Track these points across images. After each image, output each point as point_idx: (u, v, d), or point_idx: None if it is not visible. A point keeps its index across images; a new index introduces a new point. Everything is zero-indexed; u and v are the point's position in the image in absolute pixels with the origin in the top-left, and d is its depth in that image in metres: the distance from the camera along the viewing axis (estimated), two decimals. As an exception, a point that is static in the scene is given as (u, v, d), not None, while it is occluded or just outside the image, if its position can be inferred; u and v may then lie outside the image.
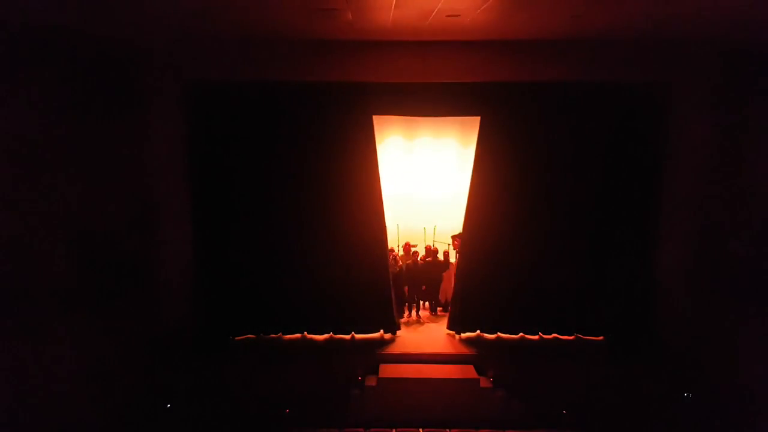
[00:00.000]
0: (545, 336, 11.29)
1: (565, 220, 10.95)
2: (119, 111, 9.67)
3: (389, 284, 11.27)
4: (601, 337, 11.22)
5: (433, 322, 12.21)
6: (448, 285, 12.57)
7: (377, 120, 14.49)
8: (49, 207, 7.83)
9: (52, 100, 7.85)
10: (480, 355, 10.58)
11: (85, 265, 8.58)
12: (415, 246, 12.95)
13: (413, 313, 12.47)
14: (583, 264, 11.03)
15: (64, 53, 8.11)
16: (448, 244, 14.12)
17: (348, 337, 11.20)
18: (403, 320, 12.22)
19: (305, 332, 11.18)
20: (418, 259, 12.53)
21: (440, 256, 12.49)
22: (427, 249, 12.91)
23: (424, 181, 15.10)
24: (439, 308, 12.57)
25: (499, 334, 11.25)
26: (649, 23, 8.14)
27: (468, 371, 10.23)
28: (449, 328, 11.47)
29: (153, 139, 10.51)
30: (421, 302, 12.67)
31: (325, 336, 11.21)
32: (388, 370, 10.20)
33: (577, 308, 11.14)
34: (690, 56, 10.11)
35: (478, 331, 11.26)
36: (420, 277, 12.31)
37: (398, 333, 11.38)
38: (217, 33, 9.36)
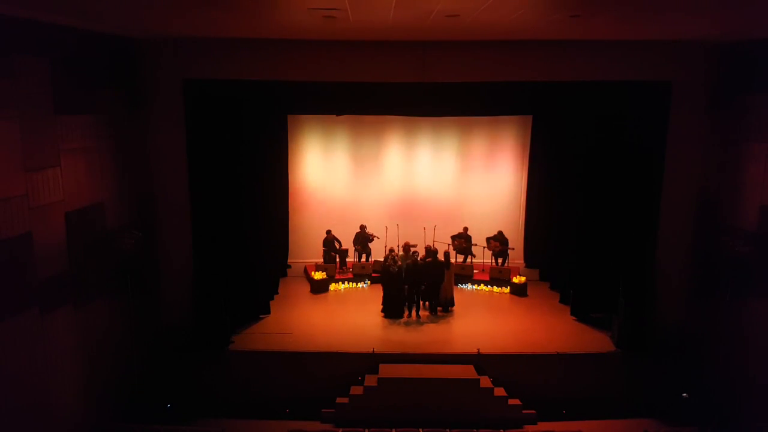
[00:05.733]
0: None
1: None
2: (121, 109, 9.69)
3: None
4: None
5: (433, 322, 12.21)
6: (449, 285, 12.58)
7: (377, 120, 14.61)
8: (51, 203, 7.83)
9: (51, 96, 7.84)
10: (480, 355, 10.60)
11: (86, 260, 8.58)
12: (415, 246, 12.95)
13: (413, 313, 12.47)
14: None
15: (63, 50, 8.11)
16: (448, 245, 14.14)
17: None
18: (403, 320, 12.24)
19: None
20: (418, 259, 12.52)
21: (440, 256, 12.48)
22: (427, 249, 12.91)
23: (424, 181, 15.14)
24: (438, 308, 12.56)
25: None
26: (647, 24, 8.15)
27: (468, 371, 10.23)
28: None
29: (153, 137, 10.54)
30: (421, 302, 12.65)
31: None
32: (388, 370, 10.20)
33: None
34: (690, 56, 10.13)
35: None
36: (420, 277, 12.31)
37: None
38: (216, 33, 9.38)
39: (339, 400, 10.02)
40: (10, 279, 7.06)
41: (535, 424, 9.88)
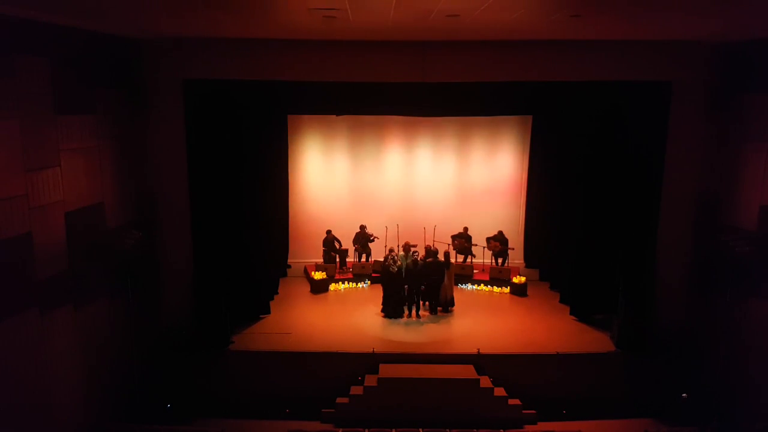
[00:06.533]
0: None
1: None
2: (121, 109, 9.69)
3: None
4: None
5: (433, 322, 12.21)
6: (449, 285, 12.57)
7: (377, 120, 14.61)
8: (51, 203, 7.83)
9: (51, 96, 7.84)
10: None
11: (87, 260, 8.58)
12: (415, 246, 12.95)
13: (413, 313, 12.47)
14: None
15: (63, 50, 8.11)
16: (448, 245, 14.14)
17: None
18: (403, 320, 12.24)
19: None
20: (418, 259, 12.51)
21: (440, 256, 12.48)
22: (427, 249, 12.91)
23: (424, 181, 15.14)
24: (438, 308, 12.56)
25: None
26: (646, 24, 8.15)
27: (468, 371, 10.23)
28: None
29: (153, 137, 10.55)
30: (421, 302, 12.65)
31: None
32: (388, 370, 10.20)
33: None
34: (690, 56, 10.13)
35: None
36: (420, 277, 12.31)
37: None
38: (216, 33, 9.38)
39: (339, 400, 10.02)
40: (10, 279, 7.06)
41: (535, 424, 9.89)
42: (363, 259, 14.76)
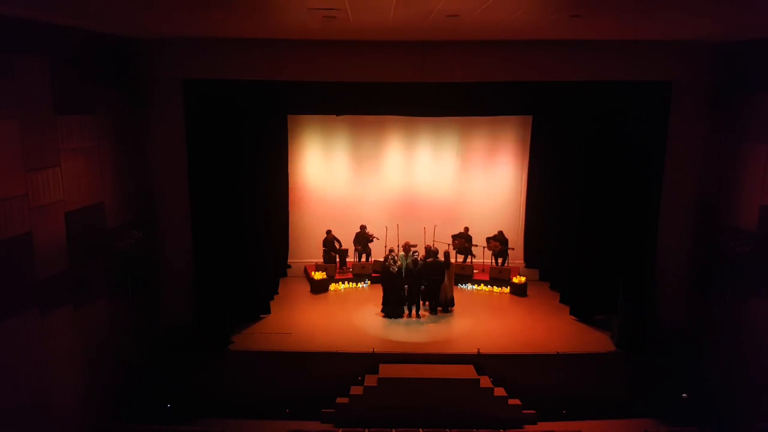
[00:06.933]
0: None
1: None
2: (121, 109, 9.69)
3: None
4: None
5: (433, 322, 12.21)
6: (449, 285, 12.57)
7: (377, 120, 14.61)
8: (51, 203, 7.83)
9: (51, 96, 7.84)
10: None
11: (87, 260, 8.58)
12: (415, 246, 12.95)
13: (413, 313, 12.47)
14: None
15: (63, 50, 8.11)
16: (449, 244, 14.14)
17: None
18: (403, 320, 12.24)
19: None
20: (418, 258, 12.51)
21: (440, 256, 12.48)
22: (427, 249, 12.90)
23: (424, 181, 15.14)
24: (438, 308, 12.56)
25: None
26: (647, 24, 8.15)
27: (468, 371, 10.23)
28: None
29: (153, 137, 10.55)
30: (421, 302, 12.64)
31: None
32: (388, 370, 10.20)
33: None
34: (690, 56, 10.14)
35: None
36: (420, 277, 12.30)
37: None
38: (216, 33, 9.38)
39: (339, 400, 10.02)
40: (10, 279, 7.06)
41: (535, 424, 9.89)
42: (363, 259, 14.75)
